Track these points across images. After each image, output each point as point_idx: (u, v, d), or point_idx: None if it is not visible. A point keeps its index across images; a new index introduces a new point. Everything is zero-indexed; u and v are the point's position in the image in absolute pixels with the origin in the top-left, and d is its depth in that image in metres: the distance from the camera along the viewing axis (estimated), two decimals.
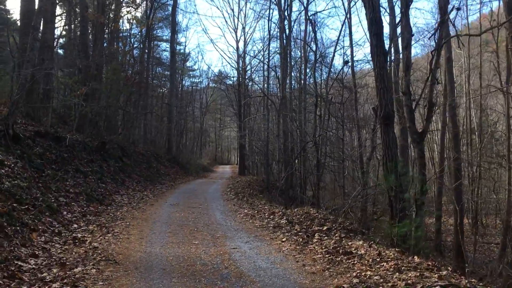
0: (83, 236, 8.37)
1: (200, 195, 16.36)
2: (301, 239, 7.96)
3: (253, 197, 16.15)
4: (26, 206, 8.94)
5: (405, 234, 7.70)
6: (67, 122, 18.74)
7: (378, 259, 6.21)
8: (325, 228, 8.87)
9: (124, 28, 33.39)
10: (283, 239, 8.06)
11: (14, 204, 8.57)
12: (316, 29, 23.79)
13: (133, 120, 23.75)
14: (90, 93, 18.04)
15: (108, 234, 8.57)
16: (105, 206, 12.55)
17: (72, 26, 26.79)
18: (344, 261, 6.39)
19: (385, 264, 5.95)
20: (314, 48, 23.52)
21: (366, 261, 6.20)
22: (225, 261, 6.59)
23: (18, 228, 7.60)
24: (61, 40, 28.16)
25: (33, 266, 6.16)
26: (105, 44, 22.11)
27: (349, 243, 7.35)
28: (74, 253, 6.97)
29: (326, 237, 8.07)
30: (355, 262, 6.22)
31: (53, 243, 7.67)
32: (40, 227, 8.40)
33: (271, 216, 10.30)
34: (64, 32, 27.21)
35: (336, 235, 8.38)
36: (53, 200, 10.60)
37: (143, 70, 27.50)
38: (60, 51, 30.79)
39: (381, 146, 8.61)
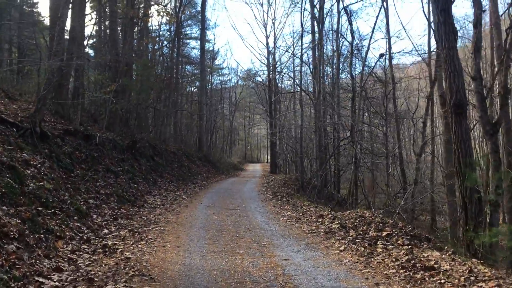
0: (114, 243, 7.40)
1: (236, 195, 15.30)
2: (362, 248, 6.76)
3: (292, 197, 15.01)
4: (53, 210, 8.07)
5: (486, 243, 6.41)
6: (97, 120, 17.99)
7: (472, 278, 4.96)
8: (384, 234, 7.65)
9: (154, 28, 32.88)
10: (341, 248, 6.87)
11: (39, 208, 7.70)
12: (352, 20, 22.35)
13: (164, 118, 22.92)
14: (120, 90, 17.24)
15: (142, 241, 7.58)
16: (137, 208, 11.66)
17: (102, 26, 26.23)
18: (426, 279, 5.16)
19: (483, 285, 4.71)
20: (350, 40, 22.17)
21: (456, 280, 4.96)
22: (279, 276, 5.47)
23: (42, 235, 6.69)
24: (91, 42, 27.73)
25: (56, 283, 5.19)
26: (135, 42, 21.33)
27: (424, 255, 6.10)
28: (103, 266, 5.98)
29: (391, 246, 6.84)
30: (442, 281, 4.99)
31: (80, 253, 6.72)
32: (67, 234, 7.49)
33: (320, 220, 9.12)
34: (94, 33, 26.70)
35: (399, 242, 7.17)
36: (82, 203, 9.74)
37: (173, 66, 26.69)
38: (91, 52, 30.46)
39: (453, 138, 7.30)
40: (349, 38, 22.49)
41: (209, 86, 41.82)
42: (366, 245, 6.91)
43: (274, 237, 7.90)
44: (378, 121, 24.71)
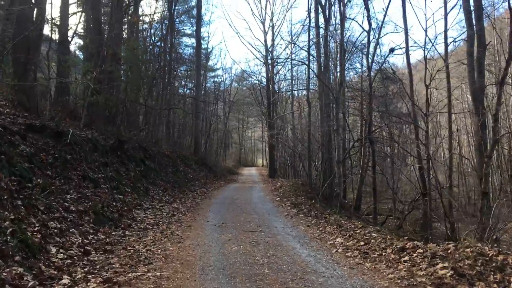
0: None
1: (248, 208, 11.77)
2: None
3: (317, 208, 11.61)
4: None
5: None
6: (77, 116, 14.33)
7: None
8: None
9: (144, 26, 29.31)
10: None
11: None
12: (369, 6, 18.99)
13: (156, 117, 19.27)
14: (105, 80, 13.63)
15: None
16: (122, 231, 8.11)
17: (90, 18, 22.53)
18: None
19: None
20: (367, 28, 18.82)
21: None
22: None
23: None
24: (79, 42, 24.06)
25: None
26: (124, 23, 17.69)
27: None
28: None
29: None
30: None
31: None
32: None
33: (405, 257, 5.65)
34: (81, 31, 22.93)
35: None
36: (36, 229, 6.17)
37: (166, 60, 23.09)
38: (80, 54, 26.60)
39: None
40: (365, 25, 19.16)
41: (202, 87, 38.19)
42: None
43: None
44: (387, 121, 21.46)
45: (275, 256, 6.13)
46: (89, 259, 5.96)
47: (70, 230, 6.97)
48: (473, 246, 5.32)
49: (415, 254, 5.57)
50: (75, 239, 6.72)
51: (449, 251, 5.34)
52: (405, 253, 5.73)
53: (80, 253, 6.15)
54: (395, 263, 5.48)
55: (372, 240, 6.68)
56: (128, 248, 6.66)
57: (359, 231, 7.55)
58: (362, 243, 6.64)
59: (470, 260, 4.96)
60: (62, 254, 5.90)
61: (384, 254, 5.91)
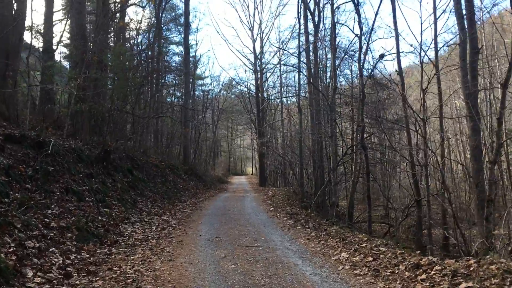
0: None
1: (242, 220, 11.16)
2: None
3: (315, 219, 11.08)
4: None
5: None
6: (61, 126, 13.62)
7: None
8: None
9: (131, 33, 28.66)
10: None
11: None
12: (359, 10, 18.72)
13: (144, 125, 18.58)
14: (90, 88, 12.98)
15: None
16: (108, 247, 7.46)
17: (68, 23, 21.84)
18: None
19: None
20: (358, 33, 18.48)
21: None
22: None
23: None
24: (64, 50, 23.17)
25: None
26: (111, 31, 17.06)
27: None
28: None
29: None
30: None
31: None
32: None
33: (422, 275, 5.05)
34: (67, 40, 22.17)
35: None
36: (11, 250, 5.53)
37: (153, 60, 22.47)
38: (65, 63, 25.78)
39: None
40: (356, 31, 18.82)
41: (191, 95, 37.54)
42: None
43: None
44: (380, 127, 21.13)
45: (276, 275, 5.56)
46: (70, 283, 5.33)
47: (50, 249, 6.32)
48: (498, 262, 4.83)
49: (433, 272, 5.03)
50: (55, 260, 6.07)
51: (471, 269, 4.83)
52: (421, 270, 5.20)
53: (60, 276, 5.52)
54: (411, 283, 4.94)
55: (381, 255, 6.14)
56: (114, 268, 6.03)
57: (365, 244, 7.01)
58: (370, 258, 6.10)
59: (497, 279, 4.45)
60: (39, 278, 5.27)
61: (397, 271, 5.37)
